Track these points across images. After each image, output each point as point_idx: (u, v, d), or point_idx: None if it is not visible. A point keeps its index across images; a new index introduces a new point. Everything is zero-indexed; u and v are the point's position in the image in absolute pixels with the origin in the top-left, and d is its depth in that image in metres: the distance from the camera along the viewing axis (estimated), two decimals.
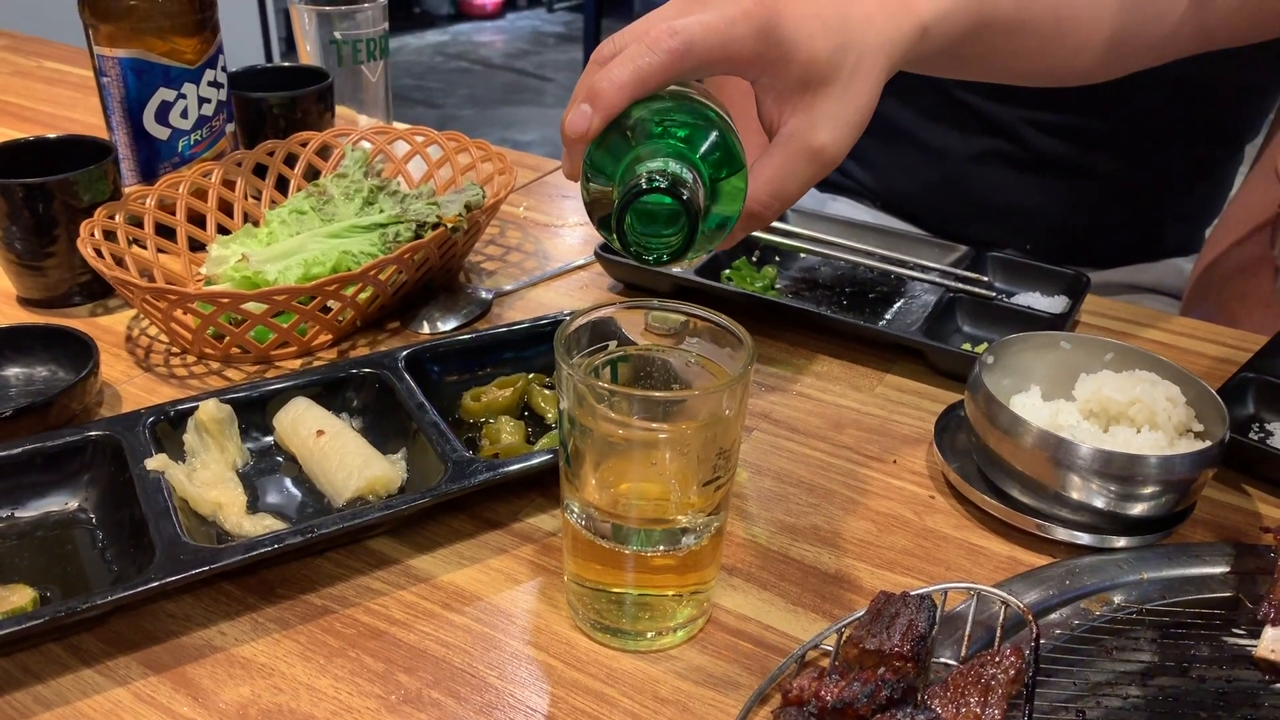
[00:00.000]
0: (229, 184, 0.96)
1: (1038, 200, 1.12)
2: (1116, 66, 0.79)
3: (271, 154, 0.98)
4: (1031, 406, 0.71)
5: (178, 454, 0.67)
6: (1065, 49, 0.74)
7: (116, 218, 0.86)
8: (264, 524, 0.64)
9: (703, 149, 0.55)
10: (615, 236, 0.54)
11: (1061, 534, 0.65)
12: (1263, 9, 0.78)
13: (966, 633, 0.56)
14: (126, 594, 0.55)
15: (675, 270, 0.91)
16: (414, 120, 1.07)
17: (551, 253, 1.02)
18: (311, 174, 1.00)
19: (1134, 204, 1.12)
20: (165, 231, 0.91)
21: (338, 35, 1.12)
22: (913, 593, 0.55)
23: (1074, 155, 1.09)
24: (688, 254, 0.55)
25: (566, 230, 1.07)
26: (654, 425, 0.52)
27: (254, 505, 0.66)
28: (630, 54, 0.55)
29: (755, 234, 0.95)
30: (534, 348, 0.80)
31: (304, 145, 1.00)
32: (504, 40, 5.53)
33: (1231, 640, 0.58)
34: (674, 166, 0.52)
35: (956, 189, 1.15)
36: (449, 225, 0.85)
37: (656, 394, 0.54)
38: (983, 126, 1.11)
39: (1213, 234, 1.11)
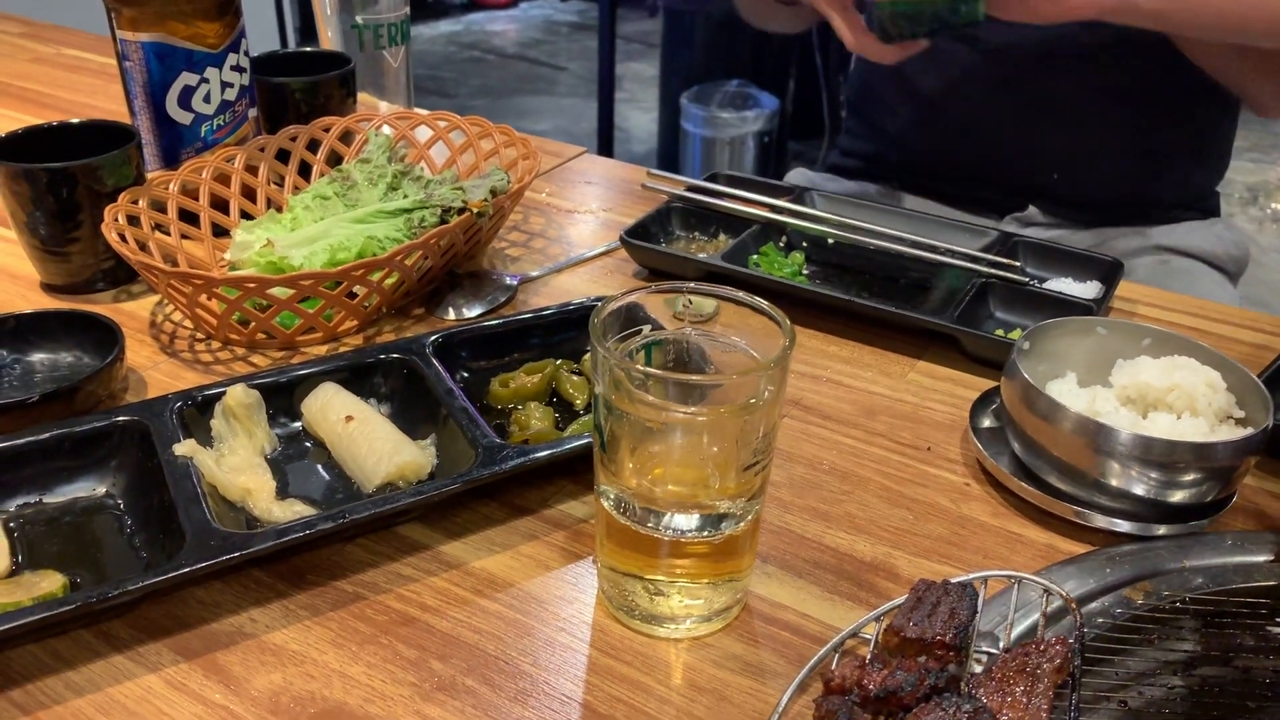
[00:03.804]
0: (252, 169, 0.95)
1: (1055, 155, 1.15)
2: None
3: (294, 139, 0.98)
4: (1068, 393, 0.70)
5: (205, 440, 0.67)
6: None
7: (140, 203, 0.85)
8: (293, 510, 0.63)
9: None
10: None
11: (1100, 521, 0.64)
12: None
13: (1009, 621, 0.55)
14: (158, 579, 0.55)
15: (700, 256, 0.90)
16: (428, 110, 1.06)
17: (575, 239, 1.01)
18: (334, 159, 0.99)
19: (1143, 157, 1.15)
20: (188, 217, 0.90)
21: (359, 20, 1.11)
22: (953, 580, 0.54)
23: (1085, 107, 1.11)
24: None
25: (590, 216, 1.06)
26: (691, 409, 0.51)
27: (283, 491, 0.66)
28: None
29: (784, 219, 0.95)
30: (562, 333, 0.79)
31: (327, 130, 0.99)
32: (517, 30, 5.51)
33: (1276, 630, 0.57)
34: None
35: (975, 150, 1.18)
36: (475, 210, 0.84)
37: (694, 377, 0.54)
38: (998, 84, 1.12)
39: None
